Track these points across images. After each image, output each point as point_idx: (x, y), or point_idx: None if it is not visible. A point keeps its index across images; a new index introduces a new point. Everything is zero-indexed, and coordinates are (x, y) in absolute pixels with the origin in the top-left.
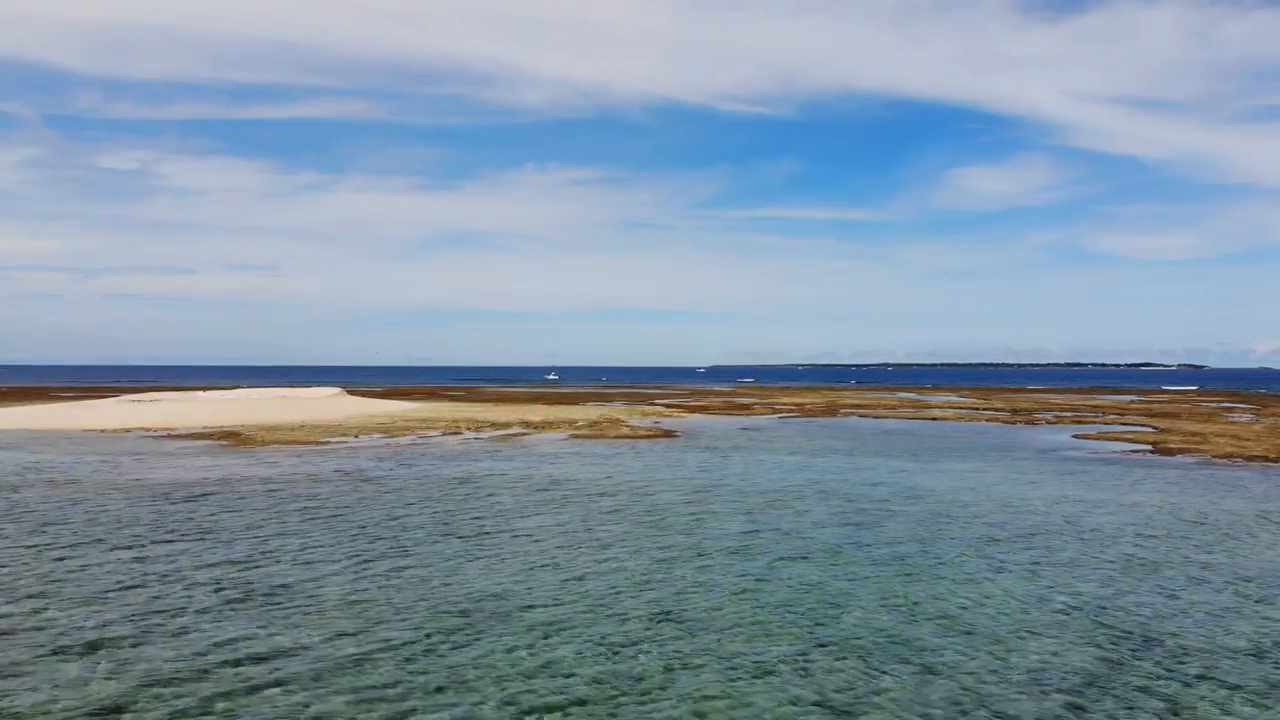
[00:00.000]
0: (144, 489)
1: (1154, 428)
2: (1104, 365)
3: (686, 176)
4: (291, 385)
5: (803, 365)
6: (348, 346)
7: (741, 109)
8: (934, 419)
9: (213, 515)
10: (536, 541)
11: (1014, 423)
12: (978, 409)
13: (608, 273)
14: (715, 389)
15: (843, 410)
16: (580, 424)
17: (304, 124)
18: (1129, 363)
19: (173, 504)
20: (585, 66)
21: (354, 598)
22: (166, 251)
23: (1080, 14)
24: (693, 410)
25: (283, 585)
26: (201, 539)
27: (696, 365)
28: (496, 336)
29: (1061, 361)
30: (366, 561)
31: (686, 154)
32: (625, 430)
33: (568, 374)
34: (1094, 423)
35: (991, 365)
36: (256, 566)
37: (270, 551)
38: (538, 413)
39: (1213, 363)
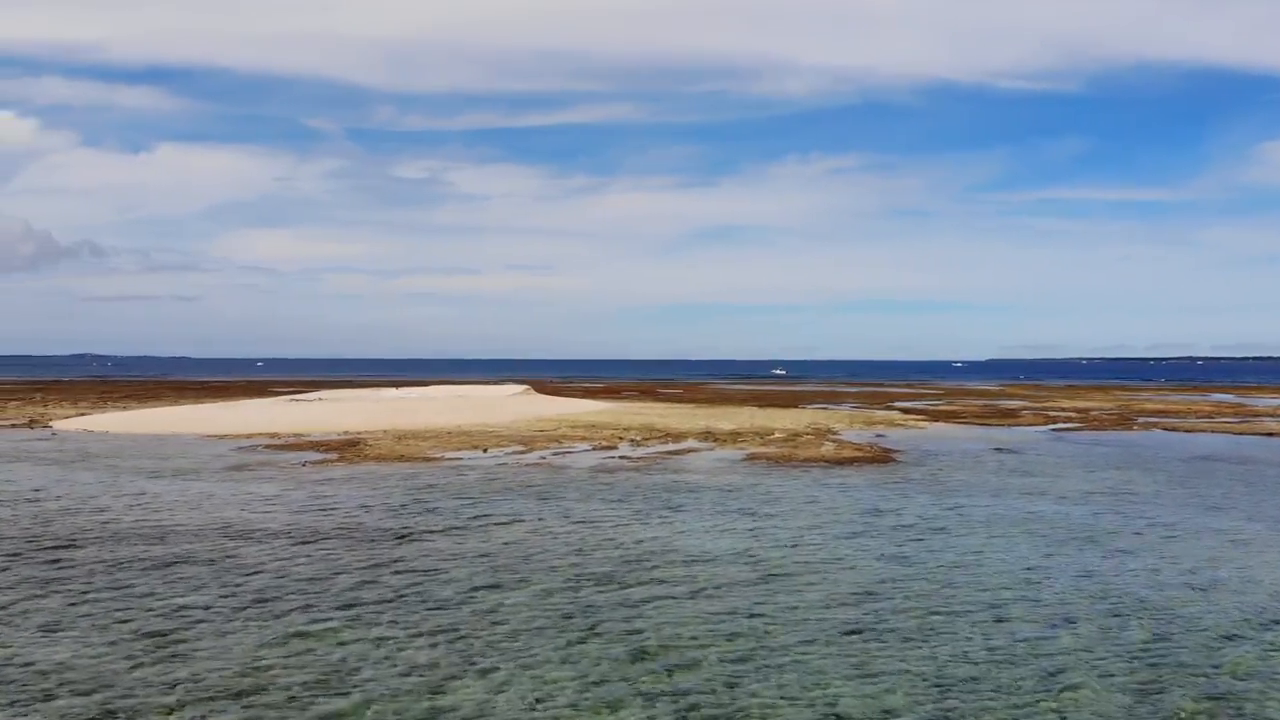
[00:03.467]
0: (19, 534)
1: None
2: None
3: (959, 159)
4: (485, 382)
5: (1087, 359)
6: (612, 342)
7: (1021, 86)
8: (1268, 434)
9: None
10: None
11: None
12: None
13: (871, 263)
14: (978, 388)
15: (1139, 420)
16: (776, 436)
17: (576, 129)
18: None
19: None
20: (848, 51)
21: None
22: (454, 253)
23: None
24: (938, 417)
25: None
26: None
27: (953, 359)
28: (754, 330)
29: None
30: None
31: (959, 136)
32: (826, 450)
33: (817, 369)
34: None
35: None
36: None
37: None
38: (737, 419)
39: None
